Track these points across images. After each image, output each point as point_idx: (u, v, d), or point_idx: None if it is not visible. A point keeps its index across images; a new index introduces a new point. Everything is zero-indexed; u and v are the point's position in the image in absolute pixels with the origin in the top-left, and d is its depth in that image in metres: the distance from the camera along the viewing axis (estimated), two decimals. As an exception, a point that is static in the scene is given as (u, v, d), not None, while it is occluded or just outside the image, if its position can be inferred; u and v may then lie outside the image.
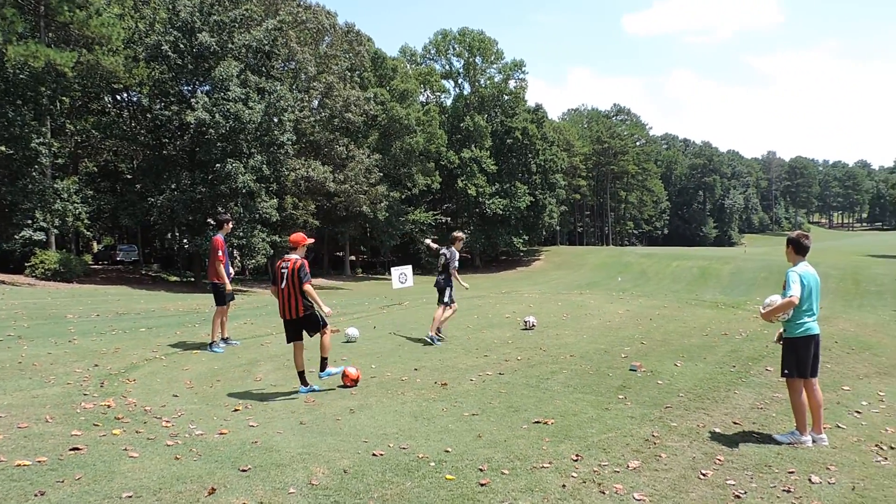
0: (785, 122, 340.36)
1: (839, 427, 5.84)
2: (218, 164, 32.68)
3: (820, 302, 5.79)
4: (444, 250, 10.31)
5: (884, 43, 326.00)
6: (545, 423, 5.74)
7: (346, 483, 4.29)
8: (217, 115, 31.82)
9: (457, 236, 10.38)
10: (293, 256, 7.01)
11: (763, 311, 5.57)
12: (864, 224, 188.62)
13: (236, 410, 6.31)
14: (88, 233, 39.11)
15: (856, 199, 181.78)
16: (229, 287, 9.90)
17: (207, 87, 34.63)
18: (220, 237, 9.56)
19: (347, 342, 10.02)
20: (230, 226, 9.88)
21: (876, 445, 5.36)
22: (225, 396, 6.91)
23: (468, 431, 5.51)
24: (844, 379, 7.70)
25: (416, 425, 5.71)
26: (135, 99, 37.63)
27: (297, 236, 7.24)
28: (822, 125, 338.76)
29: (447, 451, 4.94)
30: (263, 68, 37.20)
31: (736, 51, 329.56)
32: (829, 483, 4.48)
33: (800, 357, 5.42)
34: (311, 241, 7.39)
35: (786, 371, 5.48)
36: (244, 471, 4.46)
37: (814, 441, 5.36)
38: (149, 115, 35.44)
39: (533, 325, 10.96)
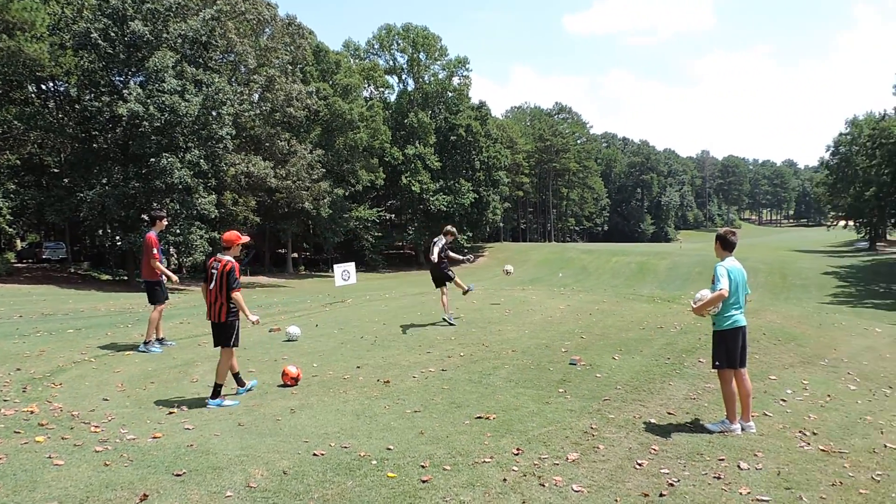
0: (718, 123, 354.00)
1: (766, 415, 6.11)
2: (153, 159, 31.52)
3: (749, 295, 6.04)
4: (437, 239, 11.14)
5: (810, 48, 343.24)
6: (487, 418, 5.79)
7: (286, 484, 4.21)
8: (151, 108, 30.68)
9: (451, 230, 11.36)
10: (225, 257, 6.65)
11: (694, 306, 5.80)
12: (791, 221, 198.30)
13: (171, 413, 6.11)
14: (11, 229, 37.09)
15: (783, 197, 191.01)
16: (175, 279, 9.63)
17: (141, 78, 33.34)
18: (153, 234, 9.23)
19: (289, 341, 9.85)
20: (164, 222, 9.56)
21: (800, 431, 5.64)
22: (159, 399, 6.67)
23: (410, 428, 5.50)
24: (771, 369, 8.07)
25: (357, 424, 5.67)
26: (62, 89, 35.85)
27: (231, 235, 6.82)
28: (753, 126, 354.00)
29: (389, 449, 4.91)
30: (201, 60, 36.08)
31: (673, 52, 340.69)
32: (756, 469, 4.68)
33: (729, 348, 5.64)
34: (247, 239, 7.05)
35: (717, 363, 5.70)
36: (179, 475, 4.33)
37: (742, 429, 5.59)
38: (77, 106, 33.85)
39: (509, 272, 13.60)
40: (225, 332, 6.65)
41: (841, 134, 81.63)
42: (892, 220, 69.86)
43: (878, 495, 4.27)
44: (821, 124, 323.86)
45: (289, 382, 7.16)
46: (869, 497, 4.24)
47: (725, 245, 5.82)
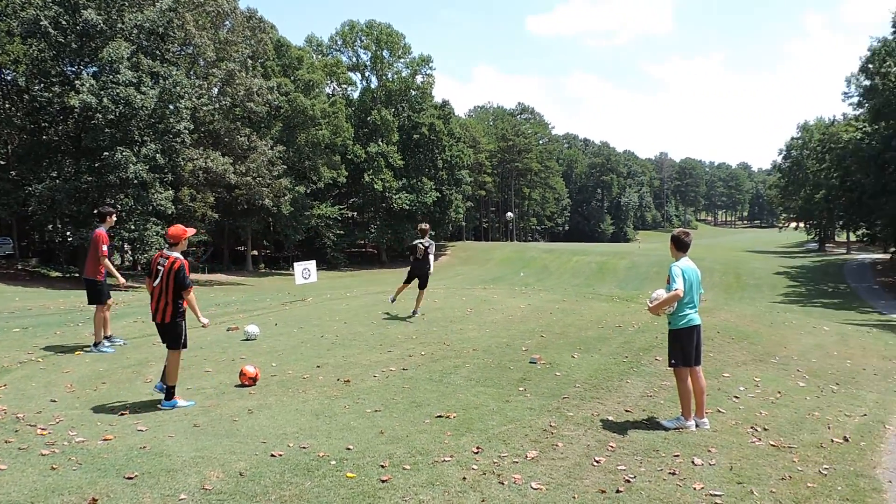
0: (676, 126, 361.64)
1: (719, 411, 6.26)
2: (106, 152, 30.60)
3: (704, 295, 6.18)
4: (423, 241, 11.53)
5: (762, 56, 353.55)
6: (447, 417, 5.79)
7: (242, 486, 4.13)
8: (105, 100, 29.77)
9: (425, 228, 11.85)
10: (173, 254, 6.25)
11: (651, 306, 5.91)
12: (745, 221, 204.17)
13: (123, 414, 5.94)
14: (-46, 224, 35.59)
15: (738, 199, 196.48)
16: (123, 281, 9.40)
17: (94, 69, 32.32)
18: (102, 230, 8.87)
19: (247, 340, 9.67)
20: (114, 218, 9.23)
21: (752, 427, 5.79)
22: (111, 400, 6.47)
23: (370, 428, 5.46)
24: (725, 366, 8.27)
25: (317, 424, 5.60)
26: (9, 78, 34.52)
27: (177, 229, 6.38)
28: (710, 129, 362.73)
29: (349, 449, 4.87)
30: (158, 51, 35.16)
31: (634, 56, 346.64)
32: (709, 464, 4.79)
33: (684, 347, 5.76)
34: (193, 231, 6.70)
35: (672, 361, 5.82)
36: (130, 478, 4.20)
37: (697, 425, 5.71)
38: (26, 97, 32.64)
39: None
40: (171, 333, 6.30)
41: (793, 138, 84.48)
42: (840, 222, 72.40)
43: (825, 489, 4.42)
44: (774, 128, 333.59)
45: (247, 382, 7.02)
46: (816, 490, 4.38)
47: (680, 246, 5.94)
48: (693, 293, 5.81)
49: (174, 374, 6.31)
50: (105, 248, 8.79)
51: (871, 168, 48.51)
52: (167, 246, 6.44)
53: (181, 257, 6.30)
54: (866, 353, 10.50)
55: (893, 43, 48.46)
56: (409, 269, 11.88)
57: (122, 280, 9.35)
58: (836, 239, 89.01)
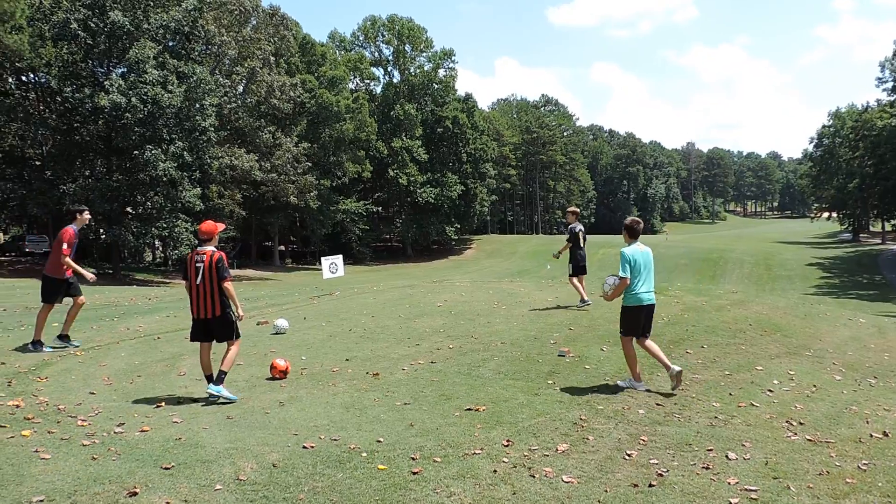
0: (702, 115, 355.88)
1: (753, 405, 6.16)
2: (136, 151, 31.16)
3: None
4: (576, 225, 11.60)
5: (791, 41, 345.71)
6: (477, 410, 5.79)
7: (276, 477, 4.19)
8: (134, 99, 30.30)
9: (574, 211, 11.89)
10: (208, 248, 6.28)
11: (605, 294, 6.77)
12: (776, 212, 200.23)
13: (159, 406, 6.06)
14: (-7, 223, 36.58)
15: (768, 189, 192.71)
16: (90, 277, 9.18)
17: (123, 70, 32.90)
18: (72, 228, 8.59)
19: (277, 333, 9.79)
20: (87, 216, 8.87)
21: (787, 422, 5.69)
22: (147, 392, 6.61)
23: (400, 421, 5.49)
24: (758, 359, 8.13)
25: (347, 416, 5.65)
26: (42, 80, 35.29)
27: (209, 225, 6.43)
28: (738, 118, 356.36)
29: (379, 442, 4.90)
30: (183, 51, 35.67)
31: (655, 45, 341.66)
32: (744, 459, 4.72)
33: (630, 321, 6.53)
34: (223, 226, 6.75)
35: (621, 330, 6.64)
36: (167, 469, 4.29)
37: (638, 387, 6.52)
38: (58, 98, 33.36)
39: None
40: (223, 326, 6.33)
41: (824, 126, 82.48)
42: (875, 212, 70.67)
43: (865, 484, 4.32)
44: (804, 116, 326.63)
45: (277, 375, 7.11)
46: (856, 486, 4.29)
47: (631, 233, 6.59)
48: (643, 275, 6.44)
49: (231, 363, 6.37)
50: (66, 246, 8.42)
51: (907, 155, 47.25)
52: (199, 242, 6.46)
53: (216, 250, 6.34)
54: (904, 345, 10.23)
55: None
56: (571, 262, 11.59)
57: (89, 276, 9.10)
58: (871, 229, 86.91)
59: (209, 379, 6.33)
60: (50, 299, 8.66)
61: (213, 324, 6.32)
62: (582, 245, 11.47)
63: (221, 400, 6.19)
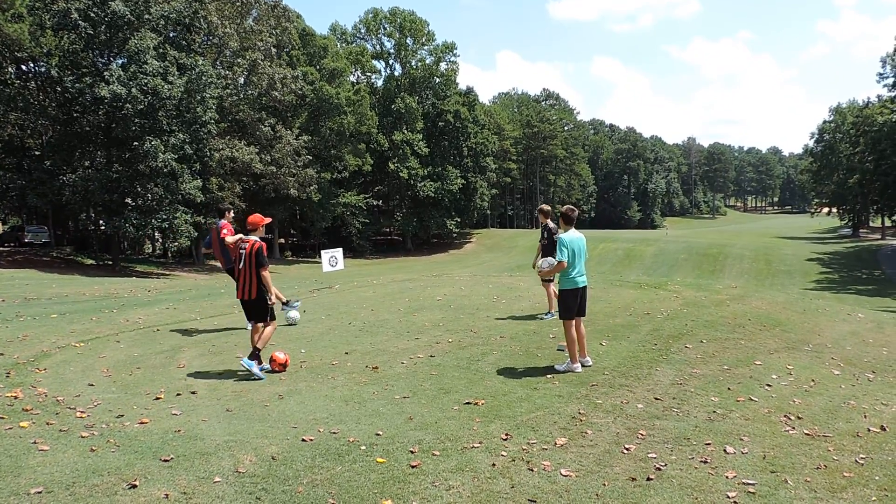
0: (703, 110, 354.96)
1: (751, 400, 6.17)
2: (136, 142, 31.10)
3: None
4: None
5: (793, 36, 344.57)
6: (475, 403, 5.80)
7: (275, 469, 4.20)
8: (134, 90, 30.21)
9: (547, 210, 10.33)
10: (252, 238, 7.04)
11: (541, 271, 7.69)
12: (776, 207, 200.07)
13: (158, 399, 6.06)
14: (-8, 213, 36.54)
15: (768, 184, 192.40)
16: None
17: (123, 60, 32.81)
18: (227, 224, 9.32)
19: (289, 325, 9.81)
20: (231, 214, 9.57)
21: (785, 416, 5.70)
22: (146, 384, 6.62)
23: (399, 414, 5.50)
24: (757, 354, 8.14)
25: (346, 410, 5.65)
26: (42, 70, 35.20)
27: (256, 218, 7.23)
28: (739, 113, 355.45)
29: (378, 435, 4.91)
30: (184, 42, 35.54)
31: (656, 39, 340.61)
32: (742, 453, 4.73)
33: (568, 304, 7.03)
34: (269, 220, 7.44)
35: (562, 314, 7.09)
36: (166, 461, 4.30)
37: (582, 365, 7.01)
38: (58, 88, 33.26)
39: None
40: (258, 308, 7.05)
41: (825, 121, 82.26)
42: (875, 207, 70.59)
43: (862, 478, 4.33)
44: (805, 111, 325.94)
45: (277, 368, 7.13)
46: (853, 480, 4.30)
47: (567, 220, 7.13)
48: (576, 260, 7.04)
49: (264, 341, 7.02)
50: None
51: (907, 151, 47.14)
52: (246, 232, 7.19)
53: (258, 240, 7.07)
54: (903, 341, 10.23)
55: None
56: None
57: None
58: (871, 224, 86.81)
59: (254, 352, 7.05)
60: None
61: (250, 304, 7.09)
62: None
63: (254, 377, 6.74)
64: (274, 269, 48.40)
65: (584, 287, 7.15)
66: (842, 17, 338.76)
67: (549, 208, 10.28)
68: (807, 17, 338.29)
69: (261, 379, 6.72)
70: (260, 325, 7.14)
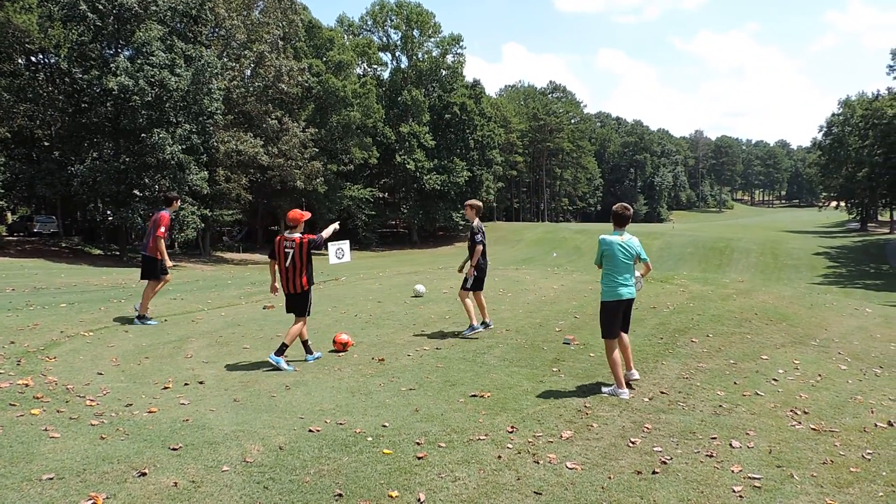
0: (710, 103, 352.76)
1: (758, 394, 6.17)
2: (144, 134, 31.18)
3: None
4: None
5: (801, 28, 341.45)
6: (481, 396, 5.82)
7: (282, 460, 4.23)
8: (141, 82, 30.27)
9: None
10: (296, 234, 7.06)
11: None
12: (783, 201, 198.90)
13: (166, 388, 6.11)
14: (1, 202, 36.71)
15: (776, 178, 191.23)
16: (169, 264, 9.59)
17: (130, 52, 32.85)
18: (167, 213, 9.34)
19: (416, 297, 10.24)
20: (178, 203, 9.63)
21: (791, 410, 5.70)
22: (154, 374, 6.67)
23: (405, 406, 5.52)
24: (763, 349, 8.13)
25: (353, 401, 5.68)
26: (51, 61, 35.27)
27: (295, 213, 7.23)
28: (747, 106, 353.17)
29: (384, 426, 4.94)
30: (191, 34, 35.54)
31: (662, 31, 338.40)
32: (748, 447, 4.73)
33: (609, 319, 6.16)
34: (309, 215, 7.41)
35: (604, 334, 6.20)
36: (175, 449, 4.34)
37: (629, 381, 6.23)
38: (67, 79, 33.35)
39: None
40: (302, 302, 7.15)
41: (834, 114, 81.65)
42: (884, 201, 70.14)
43: (869, 473, 4.33)
44: (814, 105, 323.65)
45: (338, 348, 7.71)
46: (859, 475, 4.30)
47: (613, 219, 6.51)
48: (617, 266, 6.30)
49: (292, 337, 7.08)
50: (163, 229, 9.06)
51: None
52: (287, 229, 7.19)
53: (301, 235, 7.09)
54: (911, 336, 10.19)
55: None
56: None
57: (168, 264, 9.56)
58: (879, 218, 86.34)
59: (304, 346, 7.42)
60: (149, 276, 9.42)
61: (296, 297, 7.16)
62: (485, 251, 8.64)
63: (282, 370, 6.84)
64: (280, 260, 48.53)
65: (631, 300, 6.27)
66: (850, 8, 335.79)
67: (480, 204, 8.68)
68: (814, 7, 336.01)
69: (289, 371, 6.84)
70: (299, 320, 7.19)
